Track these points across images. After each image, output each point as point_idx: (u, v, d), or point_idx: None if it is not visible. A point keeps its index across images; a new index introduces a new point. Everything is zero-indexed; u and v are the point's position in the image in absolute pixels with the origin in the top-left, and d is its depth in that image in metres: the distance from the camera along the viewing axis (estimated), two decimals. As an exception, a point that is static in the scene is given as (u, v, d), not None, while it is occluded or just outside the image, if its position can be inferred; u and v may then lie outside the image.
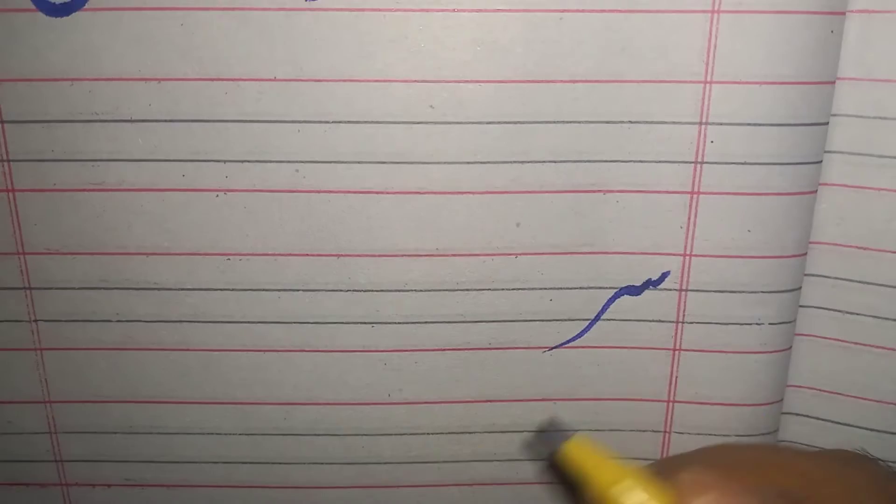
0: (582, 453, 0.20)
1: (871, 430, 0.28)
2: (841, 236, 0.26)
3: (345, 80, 0.24)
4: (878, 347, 0.27)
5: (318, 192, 0.25)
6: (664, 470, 0.19)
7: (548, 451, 0.21)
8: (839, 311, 0.27)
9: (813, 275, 0.27)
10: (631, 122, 0.24)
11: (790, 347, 0.27)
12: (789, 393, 0.28)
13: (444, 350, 0.27)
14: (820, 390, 0.28)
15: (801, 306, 0.27)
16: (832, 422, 0.28)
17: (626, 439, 0.28)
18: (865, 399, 0.27)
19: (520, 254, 0.26)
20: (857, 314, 0.27)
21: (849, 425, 0.28)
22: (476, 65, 0.23)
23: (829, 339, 0.27)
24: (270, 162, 0.24)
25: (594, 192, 0.25)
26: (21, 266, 0.25)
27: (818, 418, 0.28)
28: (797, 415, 0.28)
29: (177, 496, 0.28)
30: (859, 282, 0.26)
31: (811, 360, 0.28)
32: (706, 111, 0.24)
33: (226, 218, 0.25)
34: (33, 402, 0.27)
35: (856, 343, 0.27)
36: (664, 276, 0.26)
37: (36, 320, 0.26)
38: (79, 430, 0.28)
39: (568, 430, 0.20)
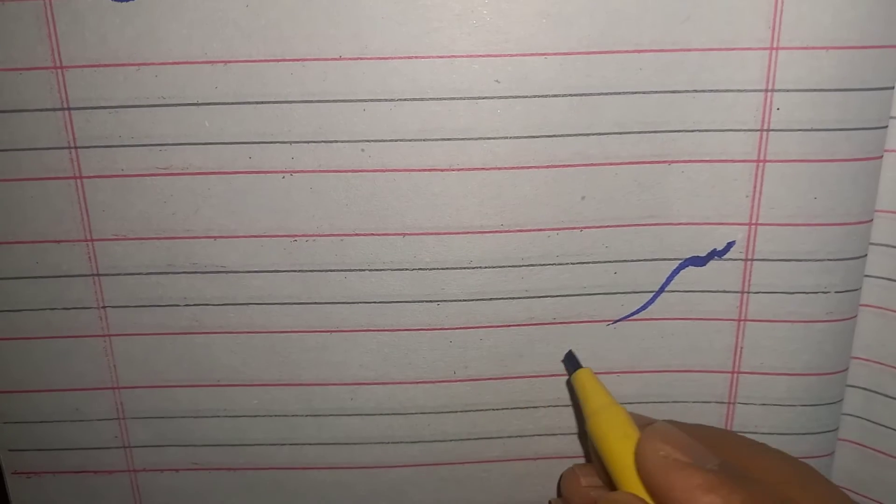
0: (584, 383, 0.25)
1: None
2: (906, 203, 0.26)
3: (409, 58, 0.24)
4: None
5: (384, 171, 0.25)
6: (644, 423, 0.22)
7: (568, 376, 0.26)
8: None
9: (876, 244, 0.27)
10: (696, 90, 0.24)
11: (856, 316, 0.27)
12: (852, 365, 0.28)
13: (509, 326, 0.27)
14: (883, 364, 0.28)
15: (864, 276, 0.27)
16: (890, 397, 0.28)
17: (690, 411, 0.28)
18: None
19: (584, 227, 0.26)
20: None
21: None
22: (541, 37, 0.23)
23: (893, 310, 0.27)
24: (336, 142, 0.24)
25: (659, 163, 0.25)
26: (89, 252, 0.26)
27: (880, 393, 0.28)
28: (859, 388, 0.28)
29: (243, 479, 0.29)
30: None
31: (874, 331, 0.27)
32: (772, 78, 0.24)
33: (292, 199, 0.25)
34: (101, 389, 0.27)
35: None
36: (729, 245, 0.26)
37: (104, 307, 0.26)
38: (146, 415, 0.28)
39: (580, 363, 0.26)
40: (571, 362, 0.26)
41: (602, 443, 0.22)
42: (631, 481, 0.21)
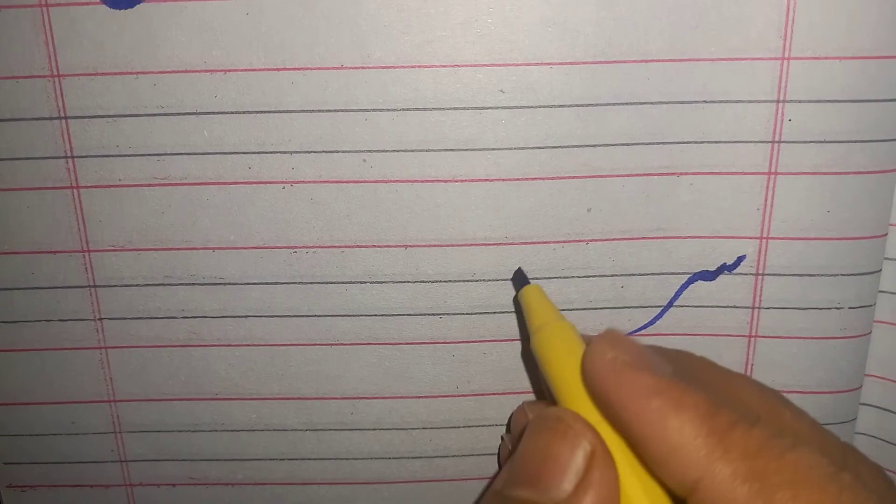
0: (530, 299, 0.23)
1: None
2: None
3: (412, 67, 0.23)
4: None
5: (386, 181, 0.24)
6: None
7: (515, 292, 0.25)
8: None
9: (890, 259, 0.26)
10: (705, 101, 0.24)
11: (870, 332, 0.26)
12: (866, 383, 0.27)
13: (513, 340, 0.26)
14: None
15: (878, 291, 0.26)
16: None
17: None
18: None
19: (590, 240, 0.25)
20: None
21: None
22: (547, 46, 0.23)
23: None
24: (337, 152, 0.24)
25: (667, 174, 0.24)
26: (86, 263, 0.25)
27: (895, 412, 0.27)
28: (873, 406, 0.28)
29: (241, 494, 0.28)
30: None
31: (888, 347, 0.27)
32: (784, 88, 0.23)
33: (292, 210, 0.25)
34: (98, 402, 0.27)
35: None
36: (740, 259, 0.25)
37: (101, 318, 0.26)
38: (143, 429, 0.27)
39: (529, 278, 0.24)
40: (520, 279, 0.24)
41: (545, 359, 0.21)
42: (573, 398, 0.19)
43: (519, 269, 0.25)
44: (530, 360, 0.26)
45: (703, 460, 0.16)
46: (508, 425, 0.27)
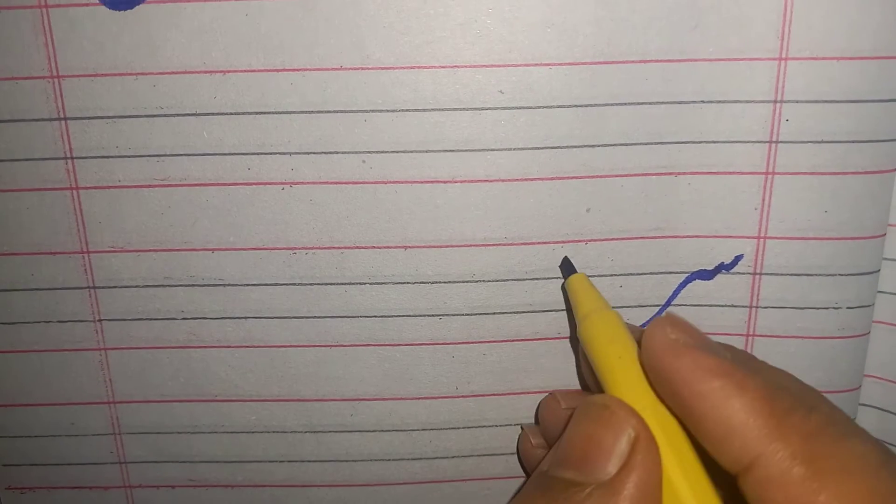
0: (577, 287, 0.23)
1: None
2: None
3: (411, 67, 0.23)
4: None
5: (385, 182, 0.24)
6: None
7: (563, 281, 0.25)
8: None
9: (889, 259, 0.26)
10: (703, 101, 0.24)
11: (868, 332, 0.26)
12: (865, 383, 0.27)
13: (513, 341, 0.26)
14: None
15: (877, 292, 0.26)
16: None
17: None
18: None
19: (589, 240, 0.25)
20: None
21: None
22: (546, 47, 0.23)
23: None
24: (336, 153, 0.24)
25: (665, 174, 0.24)
26: (85, 265, 0.25)
27: (895, 413, 0.27)
28: (873, 406, 0.28)
29: (241, 496, 0.28)
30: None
31: (888, 348, 0.27)
32: (781, 89, 0.23)
33: (291, 211, 0.25)
34: (97, 403, 0.27)
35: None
36: (737, 259, 0.25)
37: (100, 320, 0.26)
38: (142, 430, 0.27)
39: (576, 268, 0.25)
40: (567, 268, 0.25)
41: (591, 346, 0.21)
42: (619, 383, 0.20)
43: (566, 258, 0.25)
44: (575, 349, 0.27)
45: (763, 439, 0.16)
46: (536, 417, 0.27)
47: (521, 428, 0.26)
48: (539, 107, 0.24)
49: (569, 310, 0.26)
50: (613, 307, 0.22)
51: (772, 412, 0.17)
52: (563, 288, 0.25)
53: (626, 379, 0.19)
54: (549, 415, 0.24)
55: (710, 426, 0.17)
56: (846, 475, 0.16)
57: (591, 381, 0.23)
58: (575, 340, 0.26)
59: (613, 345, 0.20)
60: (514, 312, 0.26)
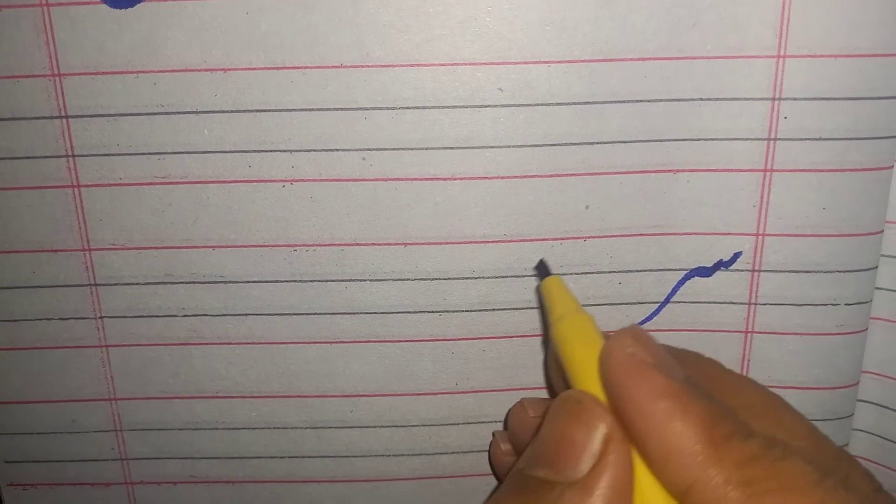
0: (551, 290, 0.23)
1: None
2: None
3: (411, 65, 0.23)
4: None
5: (385, 179, 0.24)
6: None
7: (537, 283, 0.25)
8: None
9: (887, 255, 0.26)
10: (702, 99, 0.24)
11: (866, 329, 0.26)
12: (863, 380, 0.27)
13: (512, 337, 0.26)
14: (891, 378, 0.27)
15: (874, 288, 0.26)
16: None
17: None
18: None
19: (588, 237, 0.25)
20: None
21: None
22: (545, 45, 0.23)
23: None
24: (337, 150, 0.24)
25: (664, 171, 0.25)
26: (86, 262, 0.25)
27: (892, 409, 0.27)
28: (870, 403, 0.28)
29: (242, 492, 0.28)
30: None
31: (886, 344, 0.27)
32: (779, 86, 0.24)
33: (292, 208, 0.25)
34: (98, 400, 0.27)
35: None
36: (736, 256, 0.25)
37: (101, 317, 0.26)
38: (143, 427, 0.27)
39: (551, 270, 0.25)
40: (542, 270, 0.25)
41: (563, 349, 0.21)
42: (589, 388, 0.19)
43: (542, 260, 0.25)
44: (546, 353, 0.27)
45: (698, 465, 0.16)
46: (505, 423, 0.27)
47: (493, 434, 0.26)
48: (538, 104, 0.24)
49: (542, 311, 0.26)
50: (612, 304, 0.22)
51: (710, 439, 0.17)
52: (537, 290, 0.25)
53: (596, 383, 0.19)
54: (516, 423, 0.24)
55: (652, 447, 0.17)
56: (784, 495, 0.16)
57: (558, 384, 0.23)
58: (545, 342, 0.26)
59: (586, 347, 0.20)
60: (514, 309, 0.26)
